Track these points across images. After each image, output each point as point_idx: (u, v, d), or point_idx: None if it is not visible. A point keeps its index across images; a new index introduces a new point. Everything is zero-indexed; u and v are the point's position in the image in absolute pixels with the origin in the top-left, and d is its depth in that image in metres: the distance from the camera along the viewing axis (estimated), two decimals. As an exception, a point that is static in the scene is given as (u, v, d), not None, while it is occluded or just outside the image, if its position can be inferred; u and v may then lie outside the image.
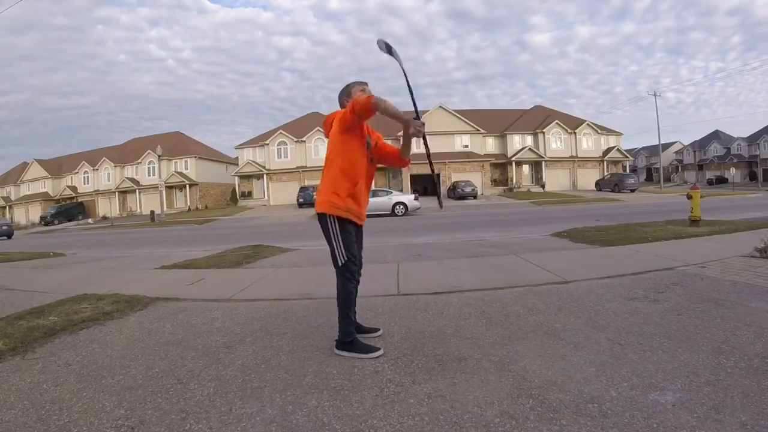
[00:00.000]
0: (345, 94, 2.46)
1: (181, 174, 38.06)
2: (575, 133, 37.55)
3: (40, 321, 3.12)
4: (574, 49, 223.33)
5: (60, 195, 42.10)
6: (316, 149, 35.22)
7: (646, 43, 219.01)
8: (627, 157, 41.33)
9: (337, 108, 2.47)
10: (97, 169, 41.02)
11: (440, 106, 35.72)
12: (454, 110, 35.93)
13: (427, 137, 2.27)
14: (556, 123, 37.40)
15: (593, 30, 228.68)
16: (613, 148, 38.53)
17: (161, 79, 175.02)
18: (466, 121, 35.32)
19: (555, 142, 37.42)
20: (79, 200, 41.14)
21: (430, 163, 2.41)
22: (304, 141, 35.20)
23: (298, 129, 36.14)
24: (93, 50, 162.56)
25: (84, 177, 42.04)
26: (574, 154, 37.67)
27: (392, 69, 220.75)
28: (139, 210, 37.82)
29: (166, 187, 32.79)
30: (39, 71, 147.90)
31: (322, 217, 2.34)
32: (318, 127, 35.36)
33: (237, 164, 37.35)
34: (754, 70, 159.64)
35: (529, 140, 37.30)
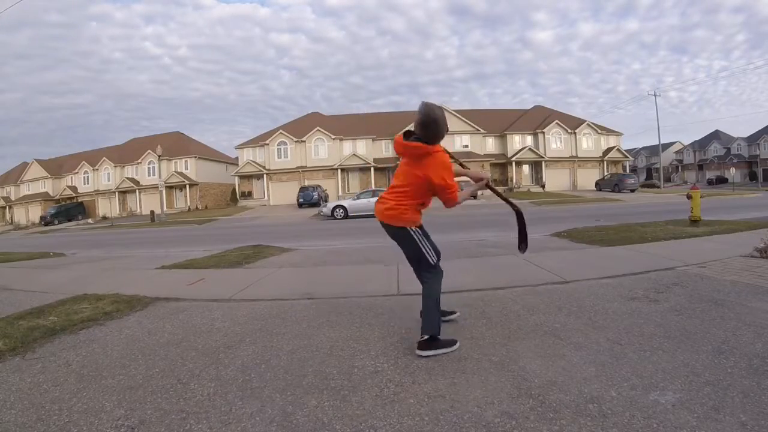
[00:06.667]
0: (434, 128, 2.35)
1: (181, 174, 38.06)
2: (575, 133, 37.54)
3: (40, 321, 3.12)
4: (577, 47, 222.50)
5: (60, 195, 42.08)
6: (316, 149, 35.21)
7: (649, 41, 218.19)
8: (627, 157, 41.33)
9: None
10: (97, 169, 41.00)
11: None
12: (454, 110, 35.89)
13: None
14: (556, 123, 37.40)
15: (596, 27, 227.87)
16: (613, 148, 38.52)
17: (158, 78, 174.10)
18: (466, 121, 35.31)
19: (555, 142, 37.40)
20: (79, 200, 41.12)
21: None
22: (304, 141, 35.20)
23: (298, 129, 36.13)
24: (88, 48, 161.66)
25: (84, 177, 42.02)
26: (574, 154, 37.66)
27: (391, 67, 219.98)
28: (139, 210, 37.81)
29: (166, 187, 32.75)
30: (33, 69, 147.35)
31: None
32: (318, 127, 35.37)
33: (237, 164, 37.34)
34: (758, 69, 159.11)
35: (529, 140, 37.29)
